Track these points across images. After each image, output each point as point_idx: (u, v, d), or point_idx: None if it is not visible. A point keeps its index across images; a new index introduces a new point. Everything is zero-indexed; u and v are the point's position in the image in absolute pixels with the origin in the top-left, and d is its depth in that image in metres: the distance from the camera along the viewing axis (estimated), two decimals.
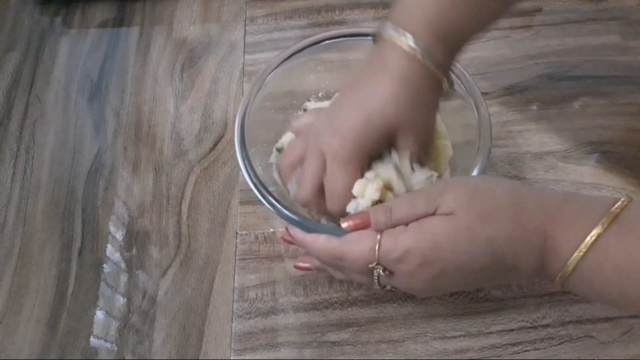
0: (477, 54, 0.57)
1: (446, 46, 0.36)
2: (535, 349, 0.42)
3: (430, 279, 0.32)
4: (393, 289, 0.36)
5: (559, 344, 0.42)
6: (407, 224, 0.33)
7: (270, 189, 0.39)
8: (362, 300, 0.44)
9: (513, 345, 0.42)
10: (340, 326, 0.43)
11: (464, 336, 0.42)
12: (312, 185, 0.37)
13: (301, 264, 0.41)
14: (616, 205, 0.30)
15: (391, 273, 0.33)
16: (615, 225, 0.29)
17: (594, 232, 0.29)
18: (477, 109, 0.42)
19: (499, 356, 0.41)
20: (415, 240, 0.32)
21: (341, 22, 0.60)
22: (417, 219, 0.33)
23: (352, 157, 0.36)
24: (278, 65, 0.45)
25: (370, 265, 0.33)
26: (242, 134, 0.41)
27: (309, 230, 0.36)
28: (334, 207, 0.37)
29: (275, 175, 0.43)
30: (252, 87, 0.44)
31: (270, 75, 0.45)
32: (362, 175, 0.37)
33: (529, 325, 0.43)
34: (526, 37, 0.58)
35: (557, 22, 0.59)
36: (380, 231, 0.33)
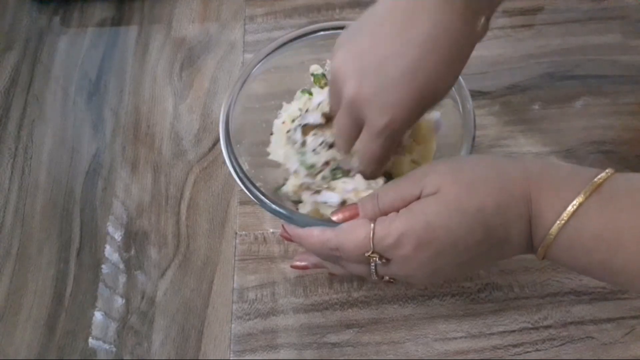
0: (478, 53, 0.55)
1: None
2: (537, 350, 0.41)
3: (427, 261, 0.32)
4: (392, 280, 0.36)
5: (560, 345, 0.42)
6: (397, 211, 0.33)
7: (258, 184, 0.39)
8: (362, 301, 0.44)
9: (514, 346, 0.42)
10: (341, 327, 0.43)
11: (465, 337, 0.42)
12: (347, 143, 0.37)
13: (298, 263, 0.40)
14: (599, 176, 0.30)
15: (388, 261, 0.33)
16: (596, 194, 0.29)
17: (576, 201, 0.29)
18: (463, 107, 0.41)
19: (501, 357, 0.41)
20: (407, 224, 0.32)
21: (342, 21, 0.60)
22: (403, 202, 0.33)
23: (397, 134, 0.34)
24: (265, 57, 0.44)
25: (366, 254, 0.33)
26: (227, 129, 0.41)
27: (297, 223, 0.36)
28: (366, 172, 0.37)
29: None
30: (237, 80, 0.44)
31: (256, 69, 0.44)
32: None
33: (530, 326, 0.42)
34: (528, 36, 0.58)
35: (558, 21, 0.58)
36: (372, 220, 0.33)
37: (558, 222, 0.30)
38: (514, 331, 0.42)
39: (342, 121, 0.36)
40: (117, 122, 0.54)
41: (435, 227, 0.31)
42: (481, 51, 0.56)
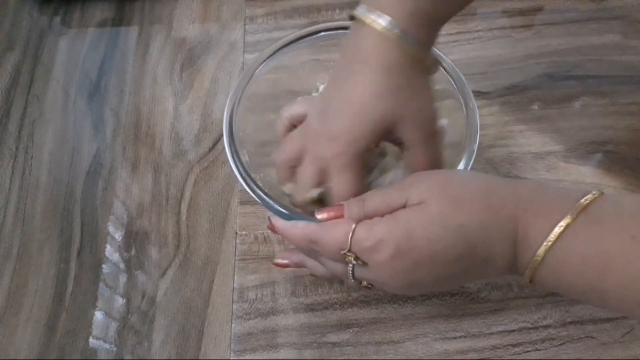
0: (477, 53, 0.56)
1: (425, 24, 0.35)
2: (536, 349, 0.42)
3: (403, 271, 0.32)
4: (369, 286, 0.35)
5: (560, 345, 0.42)
6: (382, 216, 0.33)
7: (253, 175, 0.39)
8: (362, 301, 0.44)
9: (514, 346, 0.42)
10: (341, 327, 0.43)
11: (465, 337, 0.42)
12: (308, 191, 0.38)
13: (280, 261, 0.40)
14: (586, 197, 0.30)
15: (365, 264, 0.33)
16: (584, 215, 0.29)
17: (563, 222, 0.29)
18: (466, 106, 0.41)
19: (500, 357, 0.41)
20: (388, 230, 0.32)
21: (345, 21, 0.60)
22: (389, 208, 0.33)
23: (351, 161, 0.35)
24: (269, 57, 0.44)
25: (342, 252, 0.33)
26: (230, 125, 0.41)
27: (286, 218, 0.36)
28: None
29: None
30: (240, 80, 0.44)
31: (259, 69, 0.44)
32: (365, 172, 0.37)
33: (530, 326, 0.42)
34: (527, 36, 0.58)
35: (558, 22, 0.58)
36: (357, 222, 0.33)
37: (545, 243, 0.30)
38: (513, 331, 0.42)
39: (305, 166, 0.38)
40: (118, 123, 0.54)
41: (415, 238, 0.31)
42: (480, 51, 0.57)
